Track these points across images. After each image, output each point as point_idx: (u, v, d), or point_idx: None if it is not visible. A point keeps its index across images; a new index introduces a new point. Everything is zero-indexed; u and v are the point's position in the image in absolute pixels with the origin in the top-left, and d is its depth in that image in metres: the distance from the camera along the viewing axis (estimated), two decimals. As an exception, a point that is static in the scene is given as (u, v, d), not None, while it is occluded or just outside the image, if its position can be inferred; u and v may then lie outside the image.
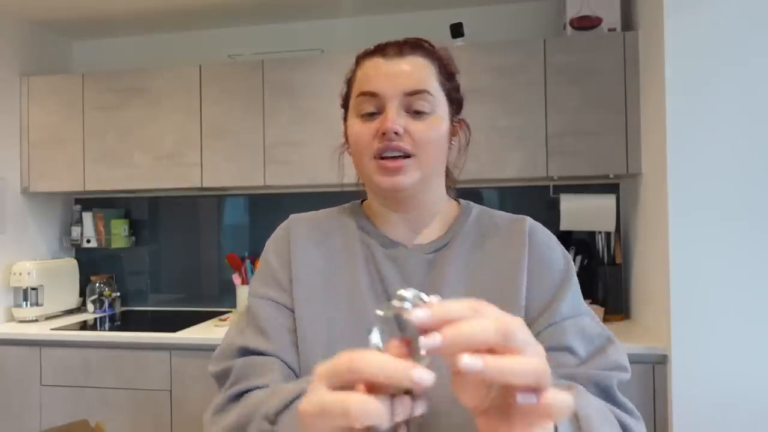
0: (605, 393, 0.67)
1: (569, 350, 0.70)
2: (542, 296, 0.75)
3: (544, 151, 2.32)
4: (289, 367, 0.74)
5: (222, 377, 0.74)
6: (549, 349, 0.68)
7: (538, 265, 0.77)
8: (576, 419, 0.55)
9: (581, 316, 0.74)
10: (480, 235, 0.81)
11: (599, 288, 2.43)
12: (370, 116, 0.76)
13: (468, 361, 0.37)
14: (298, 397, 0.58)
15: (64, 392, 2.38)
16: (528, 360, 0.39)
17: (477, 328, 0.38)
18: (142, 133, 2.66)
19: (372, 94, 0.76)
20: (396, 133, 0.73)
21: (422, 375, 0.37)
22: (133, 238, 3.03)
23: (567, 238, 2.51)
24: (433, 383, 0.37)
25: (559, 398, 0.39)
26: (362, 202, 0.88)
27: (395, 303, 0.41)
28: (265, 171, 2.55)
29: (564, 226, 2.43)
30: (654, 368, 1.94)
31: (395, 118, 0.74)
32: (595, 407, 0.59)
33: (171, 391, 2.30)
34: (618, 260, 2.48)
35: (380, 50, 0.78)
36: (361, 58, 0.81)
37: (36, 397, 2.41)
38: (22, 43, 2.84)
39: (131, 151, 2.67)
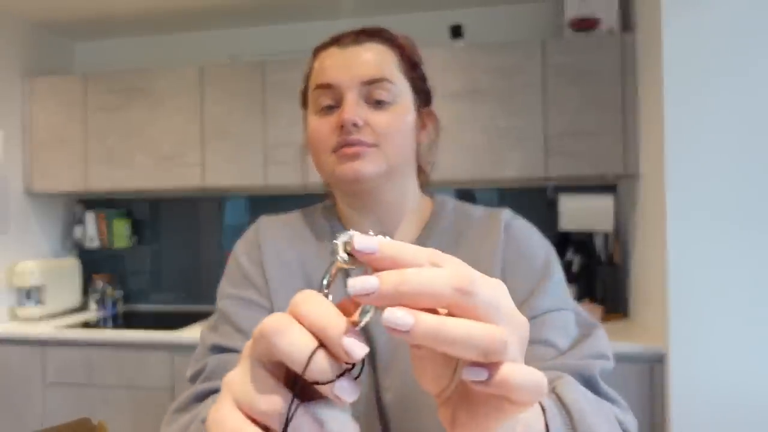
0: (588, 383, 0.61)
1: (548, 343, 0.65)
2: (520, 291, 0.70)
3: (543, 151, 2.33)
4: None
5: (196, 378, 0.70)
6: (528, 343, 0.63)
7: (515, 259, 0.72)
8: (568, 415, 0.49)
9: (563, 311, 0.69)
10: (456, 232, 0.76)
11: (598, 288, 2.44)
12: (329, 110, 0.71)
13: (394, 314, 0.29)
14: None
15: (67, 391, 2.40)
16: (476, 324, 0.30)
17: (428, 276, 0.30)
18: (144, 134, 2.68)
19: (328, 86, 0.70)
20: (355, 125, 0.68)
21: (353, 345, 0.29)
22: (135, 237, 3.05)
23: (566, 238, 2.52)
24: (361, 356, 0.30)
25: (521, 374, 0.30)
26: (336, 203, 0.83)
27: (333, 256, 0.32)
28: (265, 171, 2.56)
29: (563, 226, 2.44)
30: (652, 368, 1.96)
31: (353, 109, 0.68)
32: (588, 400, 0.53)
33: (173, 389, 2.31)
34: (616, 260, 2.49)
35: (335, 40, 0.74)
36: (316, 51, 0.76)
37: (39, 396, 2.42)
38: (25, 44, 2.86)
39: (133, 152, 2.69)
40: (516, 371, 0.30)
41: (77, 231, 3.04)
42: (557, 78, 2.32)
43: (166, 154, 2.66)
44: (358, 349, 0.29)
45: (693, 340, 1.88)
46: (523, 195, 2.69)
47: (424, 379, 0.34)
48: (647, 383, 1.96)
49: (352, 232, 0.32)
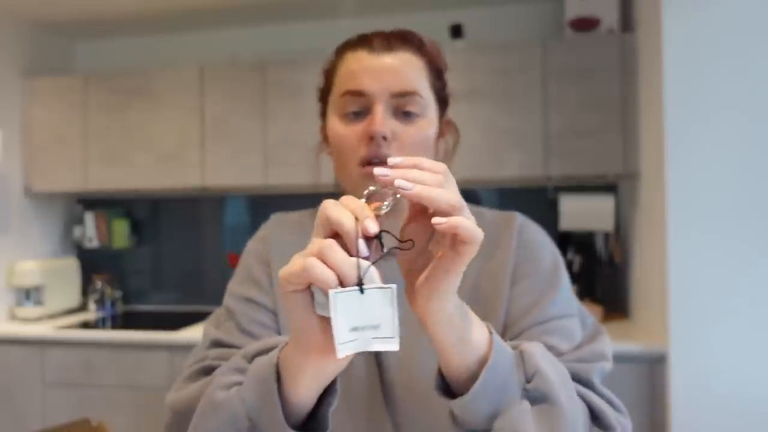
0: (585, 384, 0.63)
1: (551, 348, 0.65)
2: (527, 297, 0.71)
3: (543, 151, 2.33)
4: None
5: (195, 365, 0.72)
6: None
7: (525, 263, 0.74)
8: (521, 356, 0.56)
9: (569, 317, 0.71)
10: None
11: (598, 287, 2.44)
12: (355, 116, 0.71)
13: (403, 182, 0.46)
14: (275, 347, 0.57)
15: (66, 391, 2.39)
16: (449, 191, 0.47)
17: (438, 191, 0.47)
18: (144, 134, 2.68)
19: (358, 93, 0.70)
20: (384, 138, 0.68)
21: (370, 222, 0.46)
22: (135, 237, 3.05)
23: (566, 238, 2.52)
24: (375, 232, 0.46)
25: (465, 220, 0.46)
26: None
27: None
28: (265, 171, 2.56)
29: (563, 226, 2.44)
30: (653, 368, 1.95)
31: (383, 122, 0.68)
32: (544, 355, 0.58)
33: (172, 390, 2.31)
34: (617, 260, 2.49)
35: (366, 42, 0.71)
36: (343, 50, 0.74)
37: (38, 397, 2.42)
38: (25, 44, 2.86)
39: (133, 152, 2.68)
40: (463, 219, 0.46)
41: (77, 231, 3.04)
42: (557, 78, 2.31)
43: (166, 154, 2.65)
44: (374, 226, 0.46)
45: (694, 340, 1.87)
46: (524, 195, 2.69)
47: (402, 262, 0.52)
48: (648, 383, 1.96)
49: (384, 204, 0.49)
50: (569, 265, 2.47)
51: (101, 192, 2.83)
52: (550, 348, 0.65)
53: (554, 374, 0.56)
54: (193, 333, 2.35)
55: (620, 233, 2.53)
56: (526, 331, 0.68)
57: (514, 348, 0.58)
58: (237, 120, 2.60)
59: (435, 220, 0.46)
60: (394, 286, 0.46)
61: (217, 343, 0.72)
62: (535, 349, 0.57)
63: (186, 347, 2.30)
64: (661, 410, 1.94)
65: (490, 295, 0.72)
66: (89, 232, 3.00)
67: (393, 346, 0.46)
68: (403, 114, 0.70)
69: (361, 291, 0.45)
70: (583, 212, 2.43)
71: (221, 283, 3.13)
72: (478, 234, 0.46)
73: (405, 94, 0.69)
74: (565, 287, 0.74)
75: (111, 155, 2.71)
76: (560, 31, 2.54)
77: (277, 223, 0.83)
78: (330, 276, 0.44)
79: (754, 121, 1.86)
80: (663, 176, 1.92)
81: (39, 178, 2.79)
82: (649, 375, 1.96)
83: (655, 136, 2.02)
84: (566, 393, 0.56)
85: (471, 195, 2.74)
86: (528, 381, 0.55)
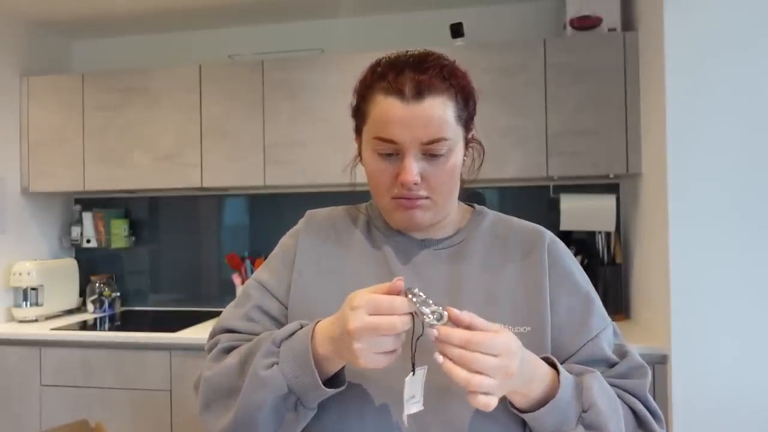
0: (639, 399, 0.79)
1: (606, 361, 0.80)
2: (573, 315, 0.80)
3: (544, 151, 2.31)
4: None
5: (211, 350, 0.83)
6: (589, 361, 0.79)
7: (560, 281, 0.81)
8: (580, 389, 0.71)
9: (607, 326, 0.82)
10: (495, 235, 0.85)
11: (599, 288, 2.42)
12: (387, 156, 0.77)
13: (438, 357, 0.63)
14: (296, 331, 0.73)
15: (64, 392, 2.38)
16: (465, 374, 0.61)
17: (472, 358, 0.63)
18: (142, 133, 2.66)
19: (389, 141, 0.75)
20: (415, 183, 0.76)
21: (408, 320, 0.64)
22: (133, 238, 3.03)
23: (567, 238, 2.51)
24: (408, 326, 0.64)
25: (477, 399, 0.62)
26: None
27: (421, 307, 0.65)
28: (265, 171, 2.55)
29: (564, 226, 2.43)
30: (654, 368, 1.94)
31: (413, 170, 0.75)
32: (600, 388, 0.73)
33: (171, 391, 2.30)
34: (618, 260, 2.48)
35: (397, 89, 0.74)
36: (376, 84, 0.77)
37: (36, 397, 2.41)
38: (22, 43, 2.84)
39: (131, 151, 2.67)
40: (477, 398, 0.63)
41: (75, 231, 3.02)
42: (558, 77, 2.30)
43: (165, 154, 2.64)
44: (407, 324, 0.64)
45: (695, 341, 1.87)
46: (524, 195, 2.67)
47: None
48: (649, 384, 1.95)
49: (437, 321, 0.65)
50: (570, 266, 2.45)
51: (99, 192, 2.82)
52: (606, 360, 0.80)
53: (606, 405, 0.71)
54: (192, 334, 2.34)
55: (621, 233, 2.52)
56: (581, 350, 0.79)
57: (578, 375, 0.73)
58: (236, 119, 2.58)
59: (436, 355, 0.63)
60: (425, 367, 0.67)
61: (227, 330, 0.84)
62: (592, 383, 0.72)
63: (185, 348, 2.28)
64: (662, 411, 1.93)
65: (532, 293, 0.80)
66: (87, 232, 2.99)
67: (420, 406, 0.68)
68: (432, 155, 0.76)
69: (413, 373, 0.67)
70: (584, 212, 2.42)
71: (220, 283, 3.12)
72: (488, 405, 0.62)
73: (433, 142, 0.75)
74: (598, 298, 0.83)
75: (109, 155, 2.69)
76: (561, 29, 2.53)
77: (309, 217, 0.90)
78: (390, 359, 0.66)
79: (755, 120, 1.85)
80: (664, 176, 1.91)
81: (37, 178, 2.77)
82: (651, 376, 1.95)
83: (657, 135, 2.01)
84: (615, 422, 0.72)
85: (473, 196, 2.73)
86: (584, 410, 0.70)
